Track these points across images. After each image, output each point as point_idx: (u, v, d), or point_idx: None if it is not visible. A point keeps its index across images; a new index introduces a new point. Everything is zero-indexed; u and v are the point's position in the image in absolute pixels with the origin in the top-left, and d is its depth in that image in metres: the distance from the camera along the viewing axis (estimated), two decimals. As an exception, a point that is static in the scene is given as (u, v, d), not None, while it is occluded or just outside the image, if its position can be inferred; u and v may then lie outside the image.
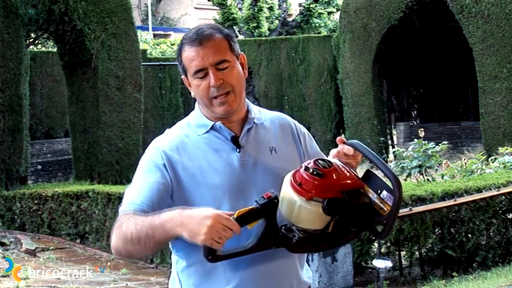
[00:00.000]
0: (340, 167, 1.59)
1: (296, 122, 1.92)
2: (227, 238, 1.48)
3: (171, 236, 1.54)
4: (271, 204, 1.52)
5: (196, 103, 1.83)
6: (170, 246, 1.77)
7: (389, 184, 1.59)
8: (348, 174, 1.58)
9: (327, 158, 1.65)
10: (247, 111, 1.81)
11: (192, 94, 1.78)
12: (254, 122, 1.79)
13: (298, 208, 1.54)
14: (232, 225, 1.48)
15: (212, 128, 1.75)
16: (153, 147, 1.76)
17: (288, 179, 1.59)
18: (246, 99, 1.82)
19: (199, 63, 1.70)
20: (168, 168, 1.69)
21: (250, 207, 1.52)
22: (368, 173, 1.66)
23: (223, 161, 1.71)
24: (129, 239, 1.57)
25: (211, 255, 1.53)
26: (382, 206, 1.59)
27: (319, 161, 1.57)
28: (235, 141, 1.74)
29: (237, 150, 1.73)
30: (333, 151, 1.72)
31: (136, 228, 1.56)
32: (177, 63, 1.80)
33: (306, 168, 1.55)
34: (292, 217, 1.56)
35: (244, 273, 1.68)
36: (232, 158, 1.72)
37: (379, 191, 1.60)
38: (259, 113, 1.85)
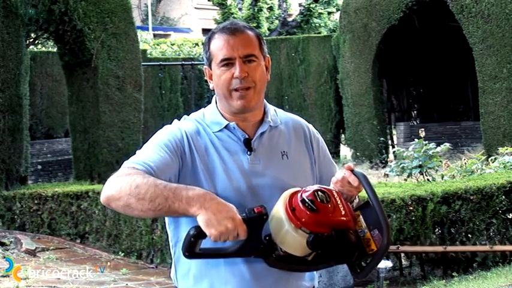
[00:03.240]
0: (338, 202, 1.57)
1: (311, 127, 1.89)
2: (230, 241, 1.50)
3: (188, 213, 1.51)
4: (258, 219, 1.53)
5: (213, 99, 1.81)
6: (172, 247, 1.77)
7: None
8: (343, 212, 1.56)
9: (329, 188, 1.61)
10: (264, 113, 1.79)
11: (211, 86, 1.76)
12: (269, 126, 1.77)
13: (284, 232, 1.54)
14: (243, 234, 1.50)
15: (226, 127, 1.74)
16: (175, 126, 1.74)
17: (285, 196, 1.57)
18: (265, 101, 1.81)
19: (228, 53, 1.69)
20: (186, 148, 1.68)
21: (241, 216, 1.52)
22: (367, 203, 1.64)
23: (234, 162, 1.69)
24: (142, 194, 1.51)
25: (190, 251, 1.53)
26: (369, 243, 1.60)
27: (319, 193, 1.54)
28: (247, 143, 1.72)
29: (248, 153, 1.72)
30: (338, 175, 1.67)
31: (157, 187, 1.51)
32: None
33: (303, 201, 1.52)
34: (278, 238, 1.56)
35: (240, 274, 1.67)
36: (242, 161, 1.70)
37: (371, 227, 1.60)
38: (275, 115, 1.82)
